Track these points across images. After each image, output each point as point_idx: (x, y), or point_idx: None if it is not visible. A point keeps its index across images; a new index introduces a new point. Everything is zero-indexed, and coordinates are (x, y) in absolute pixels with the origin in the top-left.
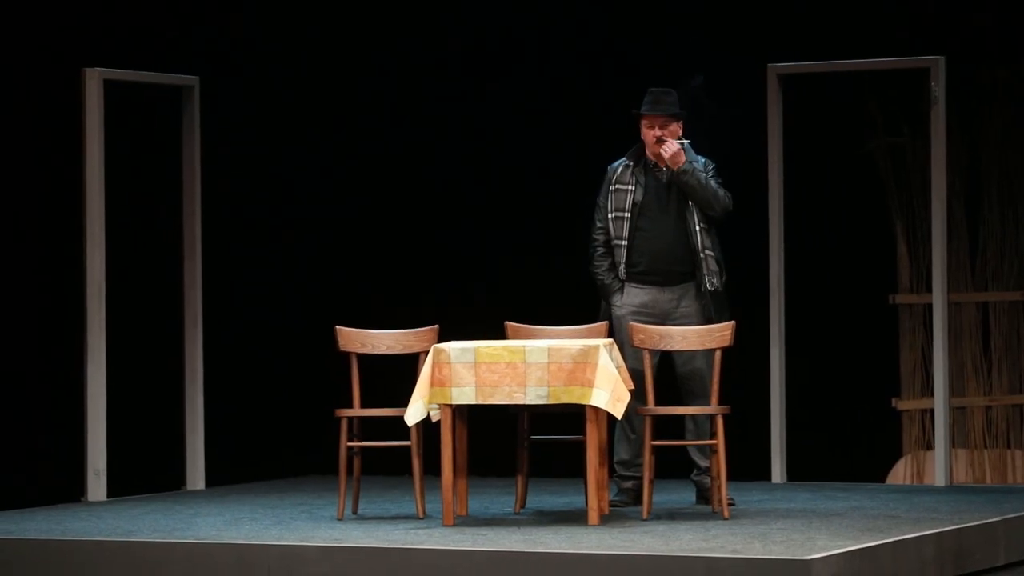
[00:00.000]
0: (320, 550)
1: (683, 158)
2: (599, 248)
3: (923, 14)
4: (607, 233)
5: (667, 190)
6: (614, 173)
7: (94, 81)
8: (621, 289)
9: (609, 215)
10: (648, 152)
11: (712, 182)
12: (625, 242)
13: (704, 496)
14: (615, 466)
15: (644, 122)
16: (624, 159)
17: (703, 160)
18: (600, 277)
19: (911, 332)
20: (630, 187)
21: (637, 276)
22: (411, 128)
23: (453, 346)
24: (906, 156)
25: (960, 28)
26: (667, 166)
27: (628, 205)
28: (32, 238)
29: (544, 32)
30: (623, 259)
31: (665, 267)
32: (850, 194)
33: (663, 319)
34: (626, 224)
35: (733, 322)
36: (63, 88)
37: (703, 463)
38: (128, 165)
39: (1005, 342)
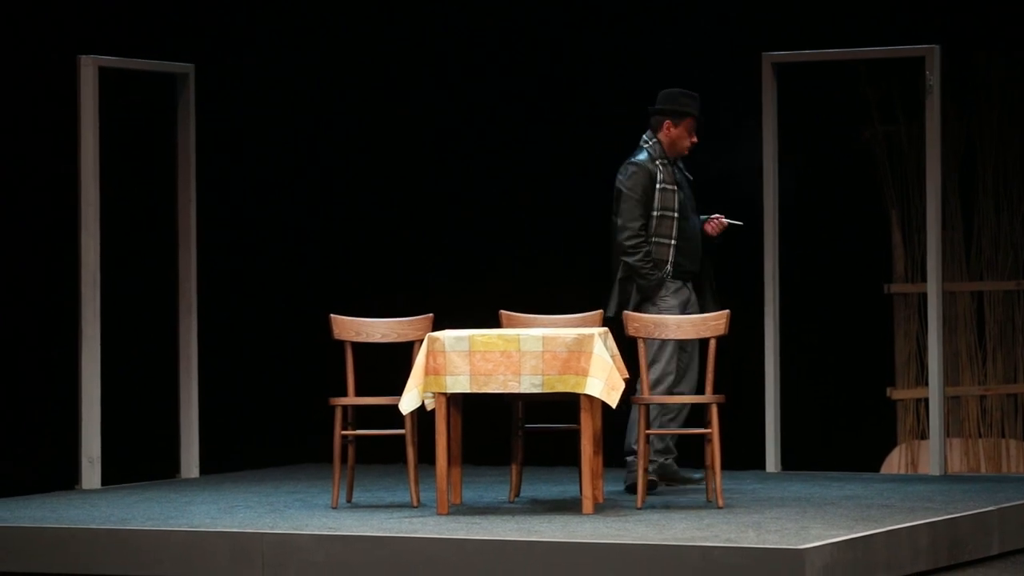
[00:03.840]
0: (314, 538)
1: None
2: (644, 244)
3: (918, 2)
4: (648, 229)
5: (692, 190)
6: (656, 170)
7: (89, 68)
8: (662, 285)
9: (654, 212)
10: (675, 150)
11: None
12: (674, 242)
13: (669, 479)
14: (633, 446)
15: (688, 123)
16: (649, 154)
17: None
18: (649, 272)
19: (906, 321)
20: (673, 187)
21: (681, 274)
22: (406, 117)
23: (448, 334)
24: (901, 145)
25: (955, 17)
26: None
27: (675, 205)
28: (27, 226)
29: (533, 23)
30: (670, 257)
31: (697, 266)
32: (845, 183)
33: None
34: (675, 224)
35: (728, 311)
36: (58, 75)
37: (658, 445)
38: (123, 153)
39: (1000, 331)
